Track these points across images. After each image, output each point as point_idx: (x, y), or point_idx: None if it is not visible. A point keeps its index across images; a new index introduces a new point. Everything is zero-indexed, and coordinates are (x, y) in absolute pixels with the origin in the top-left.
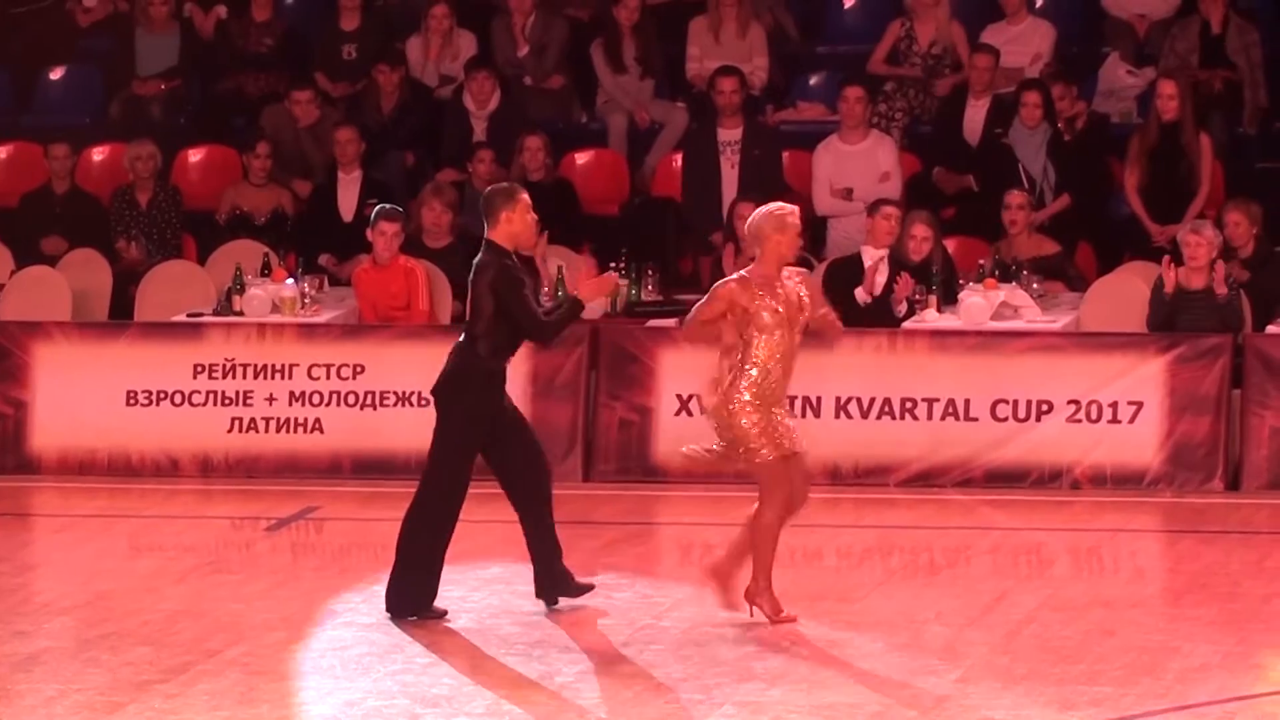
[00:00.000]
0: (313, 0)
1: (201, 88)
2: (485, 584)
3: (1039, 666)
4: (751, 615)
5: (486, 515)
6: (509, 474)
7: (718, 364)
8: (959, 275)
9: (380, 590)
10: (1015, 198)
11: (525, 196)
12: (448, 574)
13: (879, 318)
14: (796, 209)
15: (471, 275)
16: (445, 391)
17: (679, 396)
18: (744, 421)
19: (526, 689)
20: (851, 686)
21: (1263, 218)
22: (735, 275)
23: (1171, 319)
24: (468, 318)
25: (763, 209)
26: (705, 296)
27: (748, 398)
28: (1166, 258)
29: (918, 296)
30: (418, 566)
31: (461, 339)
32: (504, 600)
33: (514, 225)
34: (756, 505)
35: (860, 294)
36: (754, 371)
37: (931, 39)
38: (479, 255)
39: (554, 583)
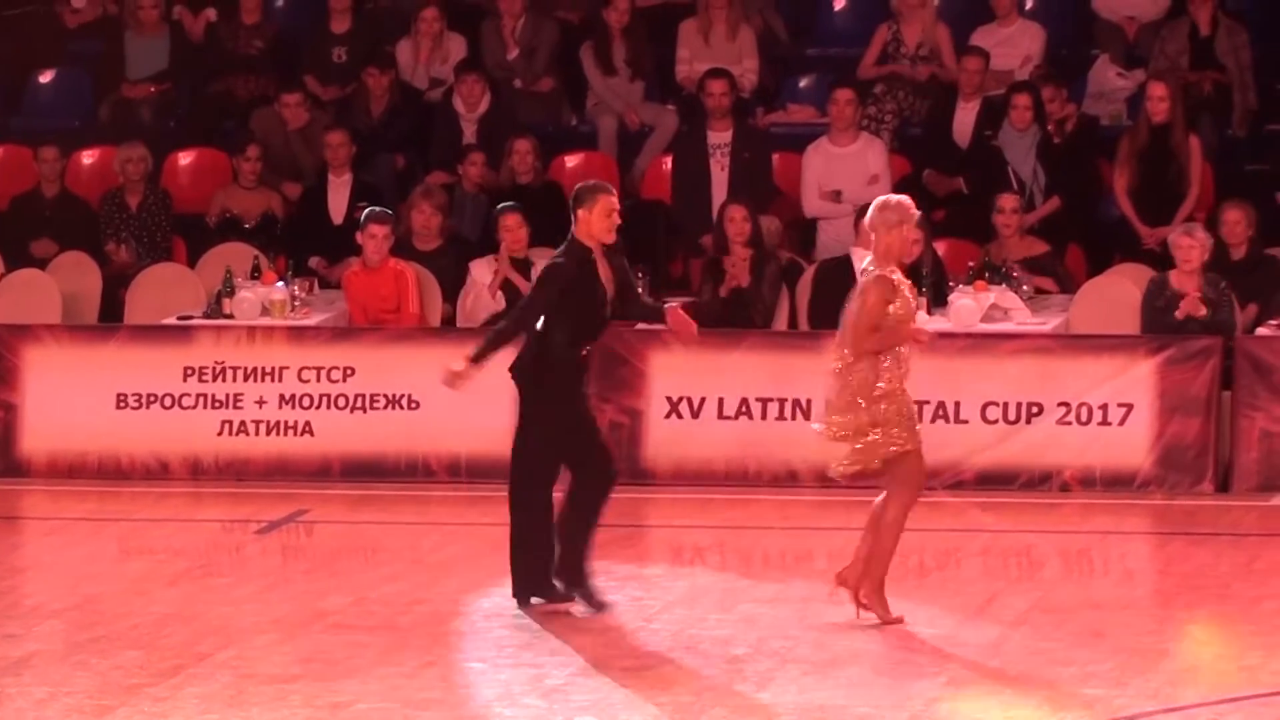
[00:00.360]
0: (303, 3)
1: (191, 90)
2: (477, 587)
3: (1029, 669)
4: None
5: (478, 518)
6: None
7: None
8: (949, 277)
9: (365, 594)
10: (1007, 201)
11: (606, 199)
12: (440, 576)
13: None
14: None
15: None
16: (524, 379)
17: (669, 399)
18: (884, 408)
19: (517, 692)
20: (841, 688)
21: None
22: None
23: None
24: None
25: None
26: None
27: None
28: (1194, 295)
29: None
30: (572, 544)
31: (539, 327)
32: (495, 603)
33: (592, 227)
34: (884, 500)
35: None
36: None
37: (918, 40)
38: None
39: (536, 584)
